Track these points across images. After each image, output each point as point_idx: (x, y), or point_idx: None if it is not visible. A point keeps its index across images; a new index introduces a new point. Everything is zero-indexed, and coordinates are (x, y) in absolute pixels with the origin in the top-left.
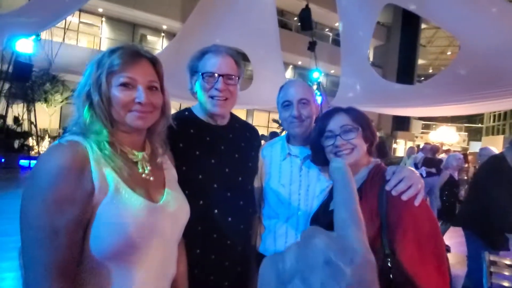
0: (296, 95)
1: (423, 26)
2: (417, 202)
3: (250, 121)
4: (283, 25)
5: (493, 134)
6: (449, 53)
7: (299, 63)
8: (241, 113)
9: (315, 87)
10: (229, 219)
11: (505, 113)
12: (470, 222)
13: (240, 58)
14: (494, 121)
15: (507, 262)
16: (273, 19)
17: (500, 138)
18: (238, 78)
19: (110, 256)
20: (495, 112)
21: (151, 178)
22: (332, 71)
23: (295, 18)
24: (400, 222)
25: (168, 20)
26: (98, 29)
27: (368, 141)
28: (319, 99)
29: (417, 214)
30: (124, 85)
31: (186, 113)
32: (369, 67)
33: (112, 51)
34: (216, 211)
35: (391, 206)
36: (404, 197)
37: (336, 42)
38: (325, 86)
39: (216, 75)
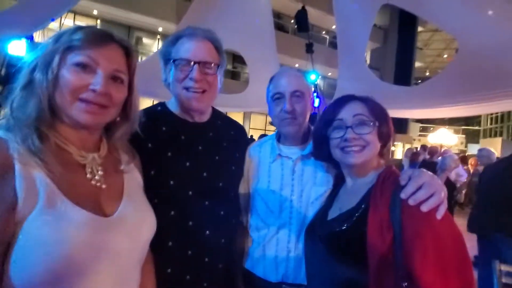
0: (289, 86)
1: (419, 29)
2: (439, 215)
3: (247, 125)
4: (279, 27)
5: (490, 136)
6: (445, 56)
7: (296, 65)
8: (238, 116)
9: (312, 89)
10: (207, 232)
11: (502, 115)
12: (488, 228)
13: (221, 43)
14: (491, 124)
15: None
16: (269, 21)
17: (498, 141)
18: (218, 67)
19: (38, 286)
20: (492, 114)
21: (103, 186)
22: (330, 74)
23: (292, 21)
24: (418, 239)
25: (164, 22)
26: None
27: (383, 140)
28: (316, 101)
29: (440, 230)
30: (81, 65)
31: (159, 108)
32: (366, 69)
33: (79, 28)
34: (191, 223)
35: (407, 218)
36: (425, 208)
37: (333, 44)
38: (322, 88)
39: (191, 62)
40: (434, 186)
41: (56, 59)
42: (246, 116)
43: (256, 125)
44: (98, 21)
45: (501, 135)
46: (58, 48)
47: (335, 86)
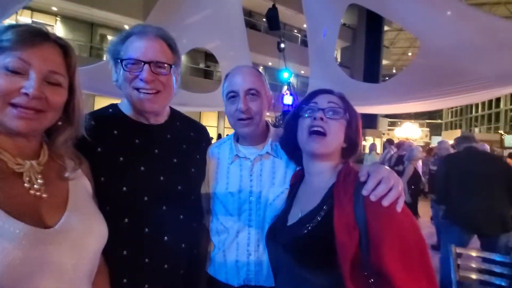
0: (243, 84)
1: (386, 28)
2: (399, 207)
3: (221, 124)
4: (251, 26)
5: (451, 128)
6: (410, 54)
7: (270, 64)
8: (212, 116)
9: (285, 87)
10: (165, 238)
11: (461, 109)
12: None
13: (174, 41)
14: (452, 117)
15: (473, 253)
16: (240, 19)
17: (457, 132)
18: (172, 67)
19: None
20: (452, 108)
21: (44, 195)
22: (302, 72)
23: (264, 19)
24: (384, 233)
25: (130, 19)
26: (52, 29)
27: (348, 140)
28: (290, 99)
29: (401, 222)
30: (11, 68)
31: (110, 110)
32: (337, 68)
33: (10, 26)
34: (147, 229)
35: (371, 213)
36: (386, 203)
37: (305, 43)
38: (295, 87)
39: (141, 62)
40: (392, 179)
41: None
42: (221, 115)
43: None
44: (58, 18)
45: (460, 127)
46: None
47: (308, 84)
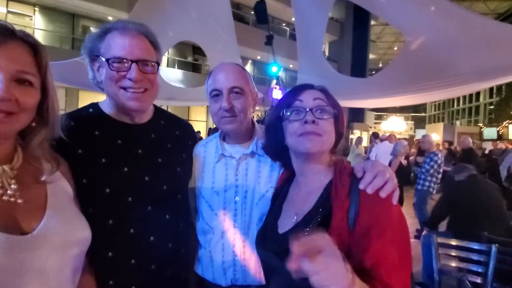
0: (226, 82)
1: (372, 22)
2: (395, 200)
3: (210, 119)
4: (239, 18)
5: (434, 121)
6: (395, 48)
7: (258, 57)
8: (201, 110)
9: (274, 81)
10: (151, 238)
11: (444, 102)
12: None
13: (156, 38)
14: (435, 110)
15: (453, 243)
16: (228, 12)
17: (440, 125)
18: (158, 65)
19: None
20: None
21: (19, 201)
22: (291, 66)
23: (252, 12)
24: (377, 224)
25: (114, 10)
26: (31, 19)
27: (337, 135)
28: (279, 93)
29: (394, 214)
30: None
31: (90, 110)
32: (325, 62)
33: None
34: (132, 230)
35: (364, 207)
36: (383, 194)
37: (294, 36)
38: (284, 81)
39: (127, 61)
40: (387, 173)
41: None
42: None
43: None
44: (36, 8)
45: (443, 120)
46: None
47: (297, 78)
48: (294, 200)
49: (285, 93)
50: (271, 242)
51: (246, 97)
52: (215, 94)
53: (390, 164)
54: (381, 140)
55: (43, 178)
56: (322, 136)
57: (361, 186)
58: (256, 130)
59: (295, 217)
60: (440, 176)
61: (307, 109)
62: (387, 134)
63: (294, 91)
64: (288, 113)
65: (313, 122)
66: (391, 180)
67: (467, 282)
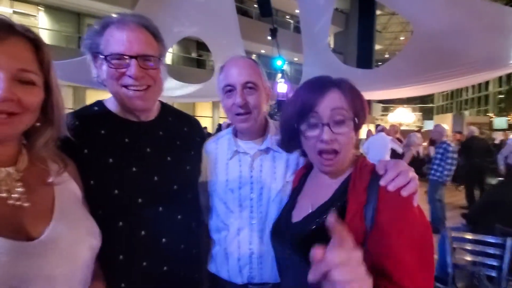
0: (240, 77)
1: (378, 12)
2: (415, 202)
3: (216, 114)
4: (243, 12)
5: (442, 112)
6: (402, 38)
7: (262, 51)
8: (206, 106)
9: (279, 75)
10: (163, 240)
11: (452, 92)
12: None
13: (158, 30)
14: (443, 101)
15: (468, 236)
16: (231, 6)
17: (449, 116)
18: (160, 59)
19: None
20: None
21: (26, 204)
22: (296, 59)
23: (255, 5)
24: (396, 224)
25: (118, 8)
26: (36, 19)
27: (358, 130)
28: (284, 87)
29: (415, 215)
30: None
31: (96, 108)
32: (330, 54)
33: None
34: (143, 232)
35: (384, 204)
36: (405, 193)
37: (298, 29)
38: (289, 74)
39: (126, 57)
40: (410, 174)
41: None
42: (215, 105)
43: (225, 114)
44: (41, 8)
45: (451, 110)
46: None
47: (302, 71)
48: (311, 192)
49: (299, 90)
50: (285, 231)
51: (260, 92)
52: (228, 90)
53: (403, 156)
54: (377, 131)
55: (50, 180)
56: (339, 153)
57: (382, 183)
58: (270, 126)
59: (310, 209)
60: (453, 166)
61: (323, 124)
62: (382, 126)
63: (310, 92)
64: (303, 127)
65: (331, 140)
66: (413, 180)
67: (484, 277)
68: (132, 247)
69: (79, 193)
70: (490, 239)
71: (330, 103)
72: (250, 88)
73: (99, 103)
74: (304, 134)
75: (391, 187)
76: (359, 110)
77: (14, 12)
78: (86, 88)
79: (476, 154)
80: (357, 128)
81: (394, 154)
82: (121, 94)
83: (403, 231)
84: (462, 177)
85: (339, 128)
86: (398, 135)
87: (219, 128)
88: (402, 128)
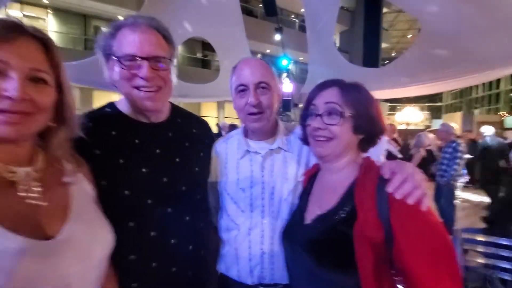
0: (253, 77)
1: (384, 10)
2: (425, 207)
3: (221, 114)
4: (248, 12)
5: (451, 111)
6: (409, 36)
7: (268, 51)
8: (212, 106)
9: (285, 75)
10: (172, 241)
11: (461, 91)
12: None
13: (169, 31)
14: (452, 99)
15: (481, 238)
16: (236, 6)
17: (458, 115)
18: (171, 60)
19: None
20: (452, 90)
21: (43, 204)
22: (301, 58)
23: (260, 5)
24: (408, 232)
25: (124, 10)
26: (45, 22)
27: (361, 132)
28: (290, 87)
29: (426, 220)
30: None
31: (107, 109)
32: (336, 53)
33: None
34: (153, 233)
35: (395, 211)
36: (411, 200)
37: (303, 28)
38: (294, 73)
39: (138, 58)
40: (417, 178)
41: None
42: (220, 105)
43: (231, 114)
44: (49, 11)
45: (460, 109)
46: None
47: (307, 71)
48: (318, 193)
49: (312, 89)
50: (296, 232)
51: (272, 92)
52: (241, 90)
53: (412, 157)
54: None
55: (65, 179)
56: (332, 140)
57: (389, 190)
58: (279, 126)
59: (318, 211)
60: (462, 166)
61: (317, 114)
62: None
63: (315, 89)
64: (304, 118)
65: (320, 128)
66: (420, 185)
67: (497, 279)
68: (143, 247)
69: (93, 193)
70: (504, 241)
71: (326, 97)
72: (263, 88)
73: (111, 105)
74: (305, 124)
75: (398, 195)
76: (358, 107)
77: (24, 16)
78: (92, 90)
79: (492, 155)
80: (357, 126)
81: (390, 156)
82: (133, 95)
83: (415, 238)
84: (477, 178)
85: (330, 119)
86: (395, 136)
87: (218, 128)
88: (410, 127)
